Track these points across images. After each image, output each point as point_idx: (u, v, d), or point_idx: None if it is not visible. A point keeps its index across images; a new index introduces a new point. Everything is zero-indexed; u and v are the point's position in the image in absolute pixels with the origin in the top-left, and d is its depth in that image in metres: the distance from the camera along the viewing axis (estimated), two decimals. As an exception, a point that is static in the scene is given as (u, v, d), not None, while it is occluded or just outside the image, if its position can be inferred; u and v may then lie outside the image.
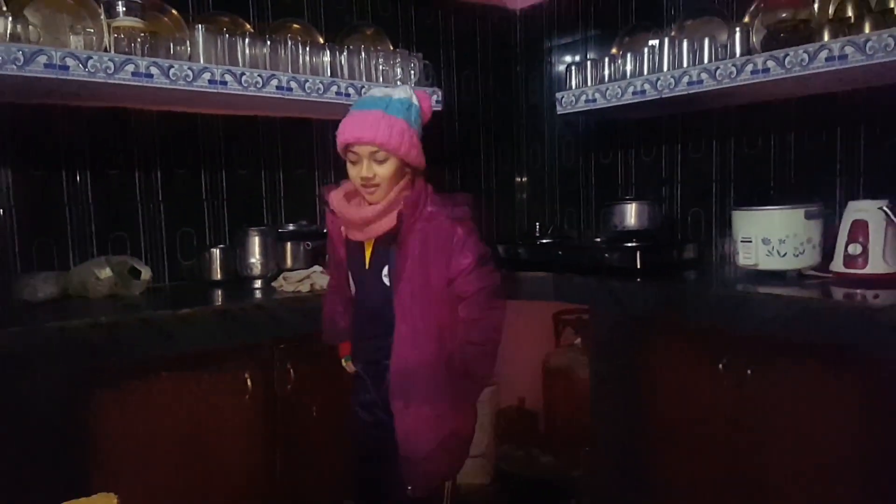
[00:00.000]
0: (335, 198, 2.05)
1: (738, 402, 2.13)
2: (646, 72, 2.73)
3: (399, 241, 1.97)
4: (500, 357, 2.05)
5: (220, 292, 2.58)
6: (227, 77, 2.42)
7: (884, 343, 1.76)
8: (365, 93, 2.74)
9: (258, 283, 2.70)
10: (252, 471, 2.32)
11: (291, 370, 2.36)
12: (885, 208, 2.10)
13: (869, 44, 2.02)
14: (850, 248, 2.15)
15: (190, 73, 2.34)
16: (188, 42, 2.46)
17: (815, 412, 1.96)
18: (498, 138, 3.75)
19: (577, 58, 3.41)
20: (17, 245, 2.43)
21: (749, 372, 2.09)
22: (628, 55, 2.84)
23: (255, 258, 2.73)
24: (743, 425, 2.13)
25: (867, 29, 2.08)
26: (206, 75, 2.38)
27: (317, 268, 2.63)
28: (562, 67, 3.43)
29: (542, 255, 3.09)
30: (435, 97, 2.93)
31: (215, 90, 2.40)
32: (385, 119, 1.91)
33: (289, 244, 2.77)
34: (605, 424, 2.66)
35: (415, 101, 1.99)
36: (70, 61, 2.10)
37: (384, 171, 1.94)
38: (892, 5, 2.08)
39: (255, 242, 2.73)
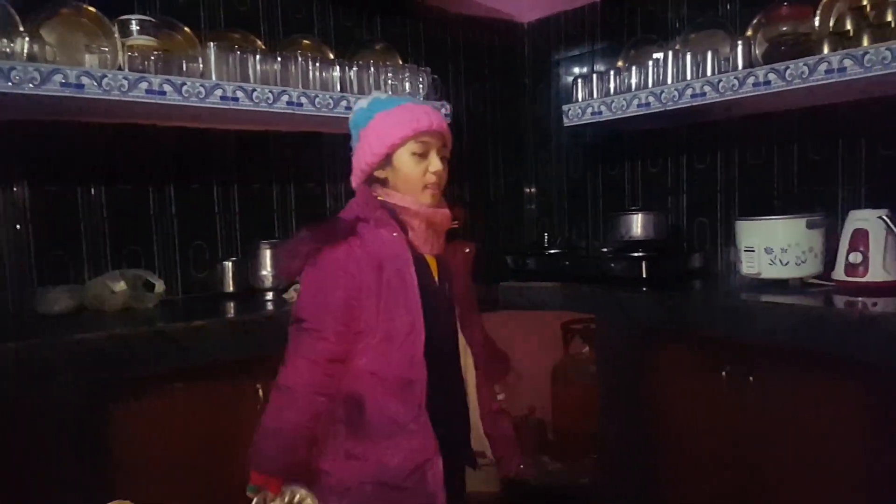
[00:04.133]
0: (408, 200, 1.63)
1: (741, 408, 2.17)
2: (650, 84, 2.76)
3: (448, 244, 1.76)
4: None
5: (232, 304, 2.61)
6: (239, 93, 2.46)
7: (883, 351, 1.78)
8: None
9: (270, 296, 2.72)
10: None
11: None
12: (884, 217, 2.12)
13: (867, 57, 2.06)
14: (851, 257, 2.18)
15: (202, 89, 2.38)
16: (200, 59, 2.49)
17: (816, 419, 1.99)
18: (506, 150, 3.79)
19: (585, 70, 3.45)
20: (34, 259, 2.47)
21: (751, 379, 2.13)
22: (633, 68, 2.87)
23: (267, 270, 2.77)
24: (745, 432, 2.17)
25: (865, 42, 2.12)
26: (219, 91, 2.41)
27: (327, 280, 2.66)
28: (569, 79, 3.47)
29: (550, 265, 3.13)
30: (444, 110, 2.98)
31: (227, 106, 2.44)
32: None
33: (299, 256, 2.80)
34: (613, 432, 2.68)
35: None
36: (85, 80, 2.14)
37: (445, 170, 1.66)
38: (889, 19, 2.11)
39: (267, 255, 2.77)
